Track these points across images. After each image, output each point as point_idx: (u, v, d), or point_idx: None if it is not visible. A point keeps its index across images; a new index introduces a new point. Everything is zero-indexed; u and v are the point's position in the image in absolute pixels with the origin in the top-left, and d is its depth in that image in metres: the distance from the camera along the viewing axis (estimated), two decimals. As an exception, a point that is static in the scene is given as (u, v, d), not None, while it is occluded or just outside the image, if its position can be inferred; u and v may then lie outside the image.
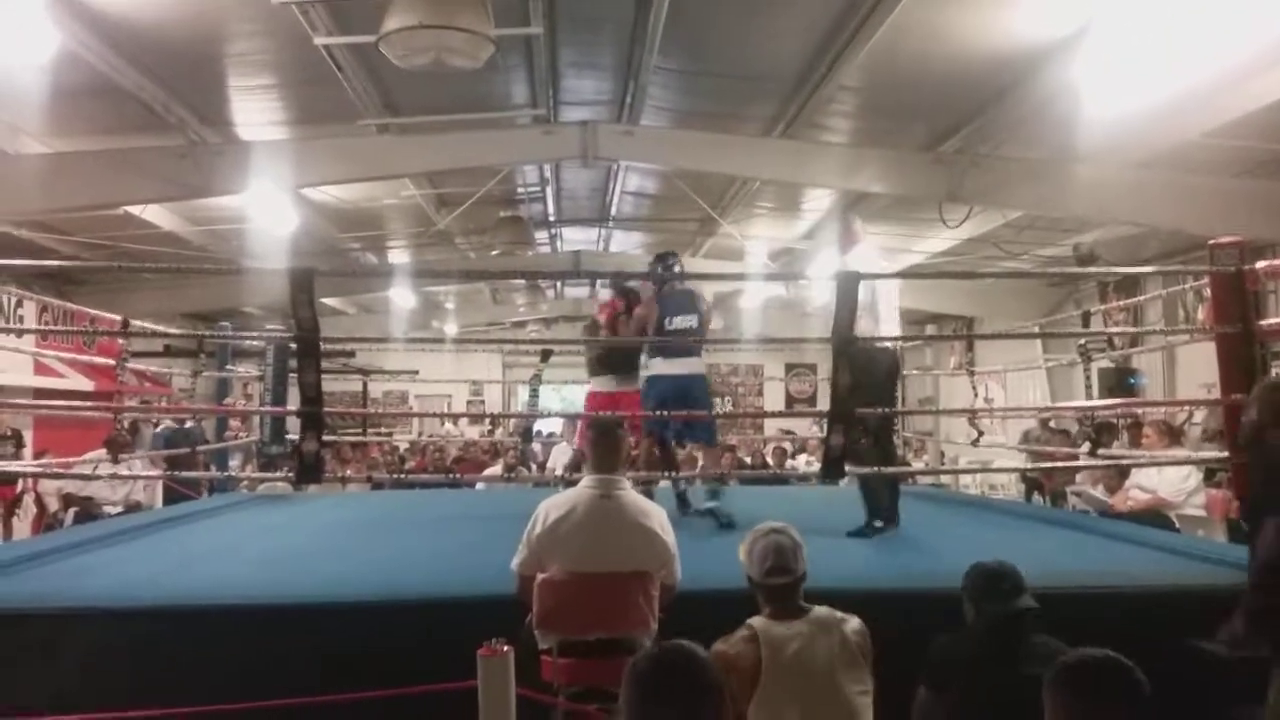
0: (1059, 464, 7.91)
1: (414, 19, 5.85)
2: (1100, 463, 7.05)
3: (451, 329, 20.58)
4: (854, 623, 3.08)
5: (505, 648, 3.18)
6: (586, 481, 3.69)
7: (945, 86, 7.92)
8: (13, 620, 3.82)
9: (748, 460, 13.43)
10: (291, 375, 6.03)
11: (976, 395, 8.55)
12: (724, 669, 2.84)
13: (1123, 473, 7.75)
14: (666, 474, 6.24)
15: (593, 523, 3.53)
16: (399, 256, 15.68)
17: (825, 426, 4.96)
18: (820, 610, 3.11)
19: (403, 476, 10.34)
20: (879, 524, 5.60)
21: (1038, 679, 2.39)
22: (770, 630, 3.03)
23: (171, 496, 9.02)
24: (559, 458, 10.22)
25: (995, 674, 2.96)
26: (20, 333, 9.24)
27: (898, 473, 6.41)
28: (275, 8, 6.51)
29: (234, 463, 9.14)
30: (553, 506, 3.61)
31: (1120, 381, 10.88)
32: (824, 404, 5.36)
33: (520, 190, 12.88)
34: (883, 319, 5.48)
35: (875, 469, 5.44)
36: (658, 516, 3.63)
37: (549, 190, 13.15)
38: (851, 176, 9.46)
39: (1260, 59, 6.45)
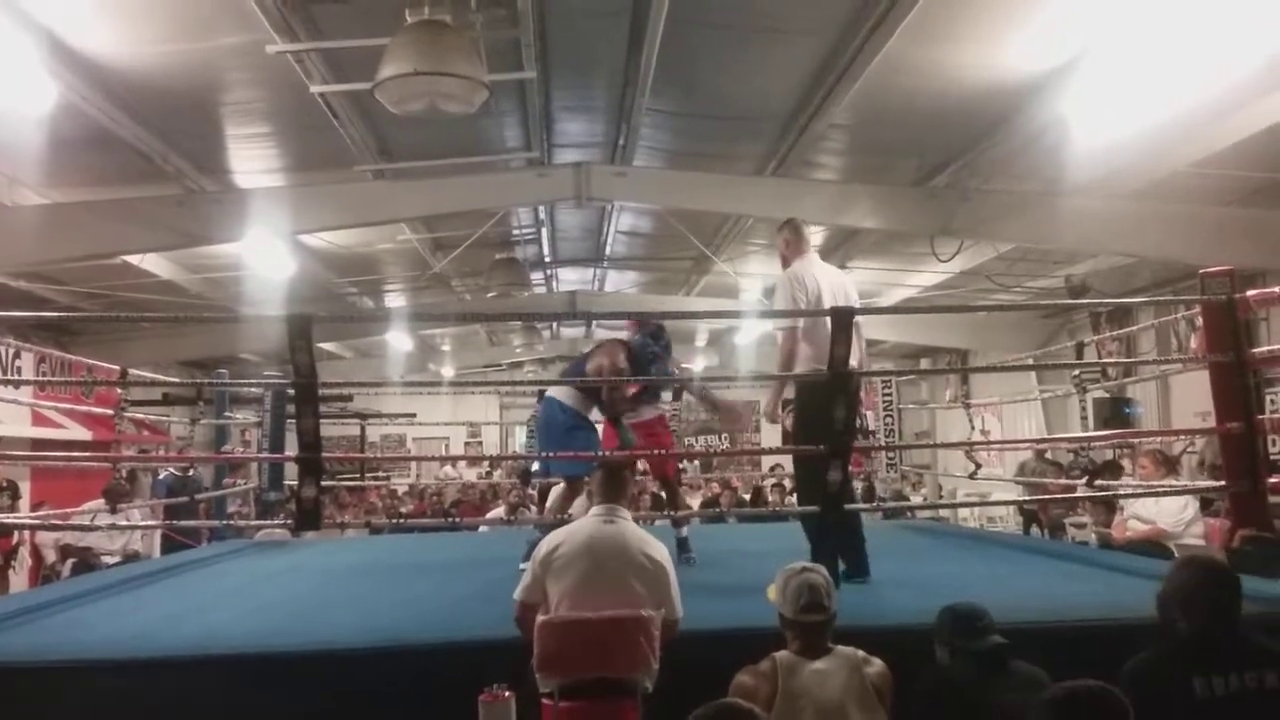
0: (1057, 496, 7.89)
1: (409, 66, 5.90)
2: (1099, 494, 7.04)
3: (448, 371, 20.60)
4: (877, 664, 3.14)
5: (506, 693, 3.21)
6: (593, 510, 3.81)
7: (935, 122, 8.00)
8: (10, 675, 3.77)
9: (746, 497, 13.40)
10: (290, 421, 6.04)
11: (973, 428, 8.57)
12: (743, 698, 2.91)
13: (1110, 507, 7.73)
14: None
15: (597, 546, 3.59)
16: (395, 300, 15.73)
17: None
18: (845, 650, 3.17)
19: (402, 521, 10.30)
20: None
21: (1019, 704, 2.42)
22: (790, 663, 3.11)
23: (171, 545, 8.98)
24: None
25: (982, 701, 3.02)
26: (18, 384, 9.25)
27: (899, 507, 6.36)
28: (271, 57, 6.58)
29: (241, 508, 9.11)
30: (558, 533, 3.72)
31: (1115, 411, 10.88)
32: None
33: (515, 232, 12.95)
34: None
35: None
36: (659, 548, 3.68)
37: (544, 232, 13.23)
38: (843, 213, 9.52)
39: (1246, 89, 6.53)
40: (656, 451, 6.23)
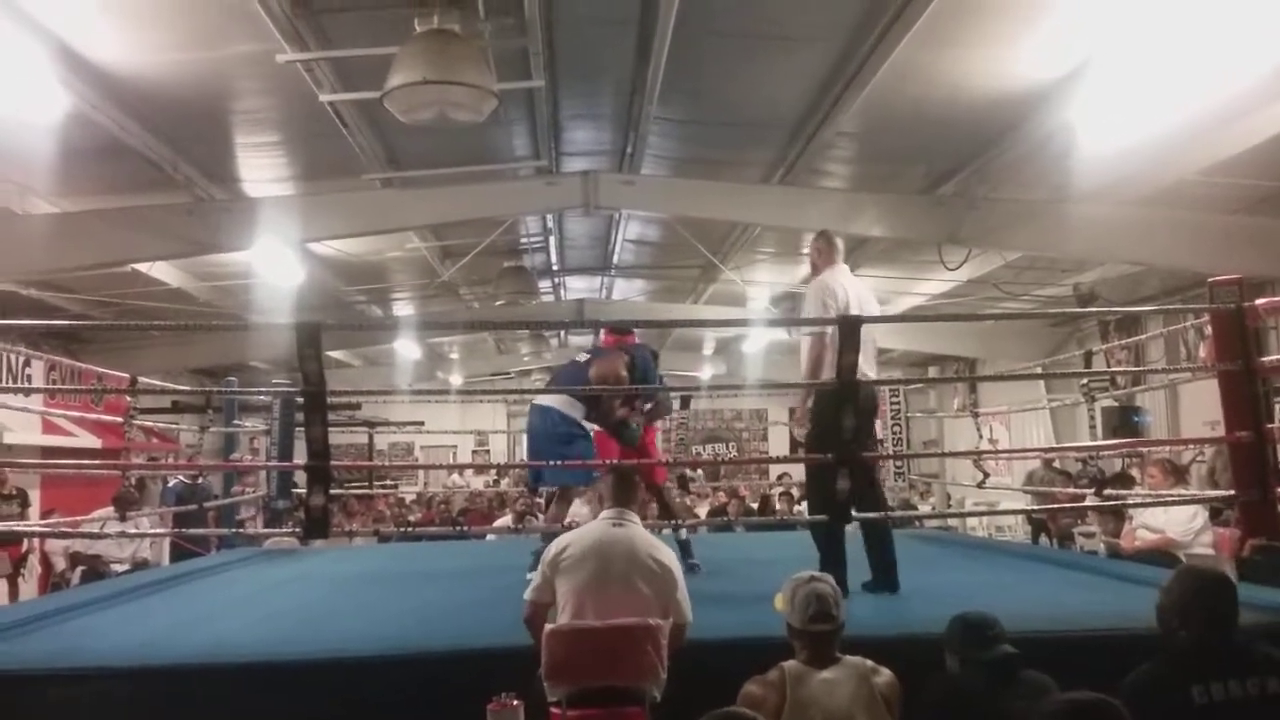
0: (1066, 505, 7.86)
1: (418, 75, 5.91)
2: (1107, 503, 7.02)
3: (456, 379, 20.62)
4: (885, 674, 3.14)
5: (515, 702, 3.21)
6: (603, 514, 3.88)
7: (943, 129, 8.00)
8: (19, 682, 3.78)
9: (754, 506, 13.37)
10: (298, 429, 6.05)
11: (981, 437, 8.55)
12: (751, 708, 2.91)
13: (1119, 516, 7.70)
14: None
15: (605, 548, 3.65)
16: (404, 308, 15.74)
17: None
18: (853, 659, 3.17)
19: (410, 529, 10.30)
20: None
21: (1028, 712, 2.42)
22: (798, 672, 3.12)
23: (179, 553, 9.00)
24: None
25: (991, 710, 3.01)
26: (28, 392, 9.29)
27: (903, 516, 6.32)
28: (281, 66, 6.61)
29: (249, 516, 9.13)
30: (567, 535, 3.82)
31: (1124, 420, 10.86)
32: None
33: (523, 240, 12.97)
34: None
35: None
36: (667, 553, 3.74)
37: (552, 240, 13.25)
38: (851, 220, 9.50)
39: (1253, 96, 6.52)
40: (662, 460, 6.23)
